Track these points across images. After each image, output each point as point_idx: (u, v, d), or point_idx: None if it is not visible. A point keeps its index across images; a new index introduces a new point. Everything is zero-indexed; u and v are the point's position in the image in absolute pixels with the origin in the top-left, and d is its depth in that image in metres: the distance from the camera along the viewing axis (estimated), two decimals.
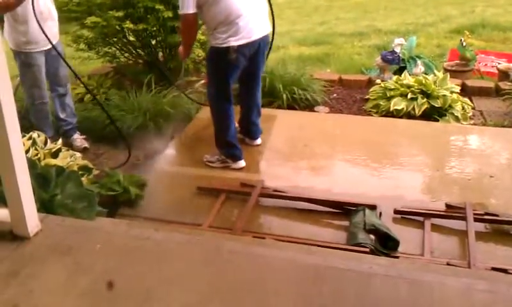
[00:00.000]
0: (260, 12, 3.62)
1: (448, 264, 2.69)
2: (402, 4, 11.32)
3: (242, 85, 3.98)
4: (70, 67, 3.95)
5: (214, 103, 3.79)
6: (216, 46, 3.52)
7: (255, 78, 3.94)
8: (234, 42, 3.45)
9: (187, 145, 4.29)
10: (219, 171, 3.82)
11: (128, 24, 4.67)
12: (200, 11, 3.48)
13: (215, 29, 3.48)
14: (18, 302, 1.86)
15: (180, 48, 3.90)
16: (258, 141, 4.18)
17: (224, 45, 3.46)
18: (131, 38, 5.28)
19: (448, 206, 3.22)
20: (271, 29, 3.79)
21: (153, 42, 5.27)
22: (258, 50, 3.65)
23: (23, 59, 3.88)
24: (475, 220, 3.03)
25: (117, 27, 4.82)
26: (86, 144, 4.33)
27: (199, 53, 5.11)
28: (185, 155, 4.15)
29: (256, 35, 3.55)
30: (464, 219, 3.05)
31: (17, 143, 2.07)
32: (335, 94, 5.48)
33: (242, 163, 3.85)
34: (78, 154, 3.61)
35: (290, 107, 5.02)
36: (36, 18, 3.62)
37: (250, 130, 4.17)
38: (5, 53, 1.98)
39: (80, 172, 3.21)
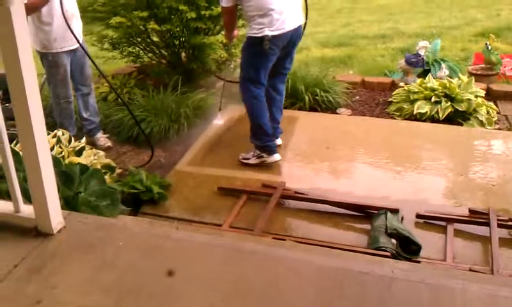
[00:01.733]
0: (294, 4, 3.70)
1: (470, 270, 2.67)
2: (427, 7, 11.19)
3: (270, 72, 3.98)
4: (96, 66, 4.00)
5: (246, 91, 3.83)
6: (251, 35, 3.64)
7: (284, 66, 3.98)
8: (269, 32, 3.55)
9: (209, 146, 4.30)
10: (240, 171, 3.83)
11: (152, 25, 4.70)
12: (239, 3, 3.67)
13: (251, 20, 3.63)
14: (41, 298, 1.88)
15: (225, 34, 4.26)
16: (279, 141, 4.18)
17: (260, 35, 3.57)
18: (155, 39, 5.32)
19: (471, 211, 3.18)
20: (304, 21, 3.86)
21: (177, 42, 5.30)
22: (290, 41, 3.72)
23: (50, 59, 3.94)
24: (499, 226, 2.99)
25: (141, 27, 4.86)
26: (109, 143, 4.38)
27: (221, 54, 5.12)
28: (207, 155, 4.16)
29: (289, 26, 3.63)
30: (487, 224, 3.01)
31: (43, 141, 2.10)
32: (357, 97, 5.46)
33: (277, 156, 3.87)
34: (101, 153, 3.65)
35: (312, 109, 5.01)
36: (64, 17, 3.67)
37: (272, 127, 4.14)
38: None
39: (103, 170, 3.25)
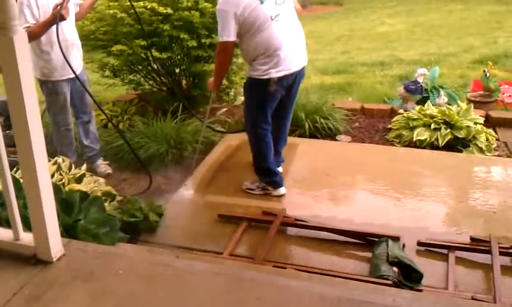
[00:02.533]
0: (300, 43, 3.61)
1: (473, 298, 2.64)
2: (424, 35, 11.32)
3: (273, 115, 3.94)
4: (92, 97, 4.04)
5: (252, 131, 3.78)
6: (256, 77, 3.51)
7: (287, 109, 3.91)
8: (275, 74, 3.44)
9: (209, 173, 4.30)
10: (240, 198, 3.83)
11: (153, 53, 4.75)
12: (239, 41, 3.47)
13: (254, 59, 3.48)
14: None
15: (211, 79, 3.89)
16: (280, 169, 4.14)
17: (265, 77, 3.45)
18: (155, 66, 5.37)
19: (472, 239, 3.16)
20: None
21: (177, 70, 5.35)
22: (294, 81, 3.64)
23: (50, 87, 3.96)
24: (501, 254, 2.96)
25: (142, 55, 4.91)
26: (109, 170, 4.39)
27: (223, 81, 5.15)
28: (207, 182, 4.15)
29: (295, 67, 3.54)
30: (489, 252, 2.99)
31: (43, 168, 2.10)
32: (357, 124, 5.48)
33: (282, 190, 3.82)
34: (102, 180, 3.65)
35: (312, 136, 5.02)
36: (60, 47, 3.70)
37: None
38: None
39: (103, 197, 3.24)
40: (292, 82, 3.61)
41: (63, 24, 3.74)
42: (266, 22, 3.35)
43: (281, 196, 3.83)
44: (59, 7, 3.59)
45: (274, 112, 3.77)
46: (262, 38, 3.38)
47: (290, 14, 3.52)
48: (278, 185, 3.82)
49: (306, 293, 2.05)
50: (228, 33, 3.34)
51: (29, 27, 3.62)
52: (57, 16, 3.60)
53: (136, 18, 4.64)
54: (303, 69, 3.66)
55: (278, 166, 4.12)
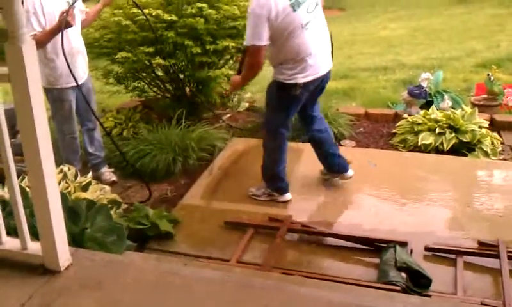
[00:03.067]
0: (326, 48, 3.61)
1: (482, 303, 2.63)
2: (427, 39, 11.32)
3: (304, 119, 3.94)
4: (91, 108, 4.05)
5: (270, 135, 3.75)
6: (281, 81, 3.49)
7: (315, 114, 3.90)
8: (301, 79, 3.43)
9: (214, 179, 4.30)
10: (246, 205, 3.82)
11: (158, 60, 4.75)
12: (269, 45, 3.40)
13: (281, 63, 3.46)
14: None
15: (235, 78, 3.84)
16: (350, 172, 3.99)
17: (291, 81, 3.44)
18: (159, 73, 5.38)
19: (480, 243, 3.14)
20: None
21: (182, 77, 5.35)
22: (319, 85, 3.63)
23: (55, 95, 3.96)
24: (509, 258, 2.95)
25: (146, 62, 4.91)
26: (114, 178, 4.38)
27: (227, 87, 5.16)
28: (212, 189, 4.15)
29: (322, 72, 3.52)
30: (497, 256, 2.98)
31: (51, 177, 2.10)
32: (361, 128, 5.47)
33: (288, 196, 3.81)
34: (107, 187, 3.64)
35: None
36: (65, 55, 3.70)
37: (336, 163, 3.99)
38: None
39: (109, 205, 3.24)
40: (316, 86, 3.61)
41: (68, 32, 3.75)
42: (297, 29, 3.33)
43: (287, 201, 3.82)
44: (65, 14, 3.60)
45: (303, 117, 3.80)
46: (292, 45, 3.36)
47: (320, 20, 3.50)
48: (284, 191, 3.81)
49: (316, 300, 2.04)
50: (259, 37, 3.29)
51: (35, 35, 3.63)
52: (63, 23, 3.61)
53: (143, 24, 4.67)
54: (328, 72, 3.63)
55: (347, 170, 4.00)
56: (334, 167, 4.00)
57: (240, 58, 3.85)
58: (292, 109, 3.65)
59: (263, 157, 3.84)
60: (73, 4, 3.71)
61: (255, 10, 3.26)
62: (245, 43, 3.42)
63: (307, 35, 3.38)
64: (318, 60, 3.47)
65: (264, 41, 3.30)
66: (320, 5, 3.52)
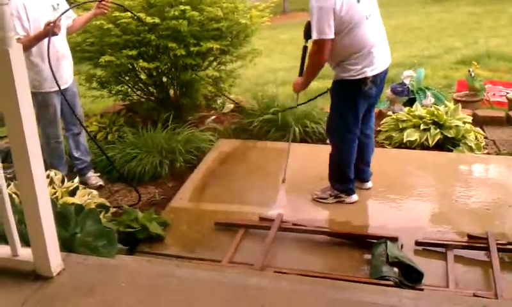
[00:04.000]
0: (386, 41, 3.52)
1: (474, 295, 2.65)
2: (405, 37, 11.43)
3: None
4: (75, 114, 4.00)
5: (339, 136, 3.62)
6: (348, 78, 3.37)
7: (373, 108, 3.81)
8: (370, 72, 3.32)
9: (202, 181, 4.27)
10: (236, 205, 3.81)
11: (141, 63, 4.71)
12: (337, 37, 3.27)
13: (344, 60, 3.35)
14: None
15: (298, 79, 3.72)
16: (369, 184, 3.94)
17: (360, 76, 3.33)
18: (143, 76, 5.33)
19: (470, 236, 3.18)
20: None
21: (165, 80, 5.32)
22: (383, 78, 3.54)
23: (40, 99, 3.90)
24: (498, 250, 2.99)
25: (129, 65, 4.87)
26: (101, 182, 4.34)
27: (211, 89, 5.15)
28: (201, 190, 4.13)
29: (386, 63, 3.46)
30: (487, 249, 3.01)
31: (42, 182, 2.07)
32: None
33: (355, 197, 3.72)
34: (95, 192, 3.61)
35: (303, 141, 5.01)
36: (49, 62, 3.66)
37: (362, 170, 3.88)
38: None
39: (98, 210, 3.20)
40: (382, 79, 3.50)
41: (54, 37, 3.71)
42: (361, 22, 3.24)
43: (273, 197, 3.83)
44: (51, 24, 3.56)
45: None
46: (357, 37, 3.26)
47: (378, 13, 3.44)
48: (352, 192, 3.71)
49: (313, 297, 2.04)
50: (326, 31, 3.17)
51: (19, 38, 3.58)
52: (50, 33, 3.59)
53: (125, 28, 4.63)
54: (388, 66, 3.55)
55: (368, 181, 3.95)
56: (360, 173, 3.88)
57: (301, 58, 3.70)
58: (362, 107, 3.50)
59: (331, 159, 3.73)
60: (61, 15, 3.68)
61: (319, 4, 3.17)
62: (312, 38, 3.27)
63: (370, 26, 3.30)
64: (381, 51, 3.40)
65: (331, 34, 3.19)
66: None
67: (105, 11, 4.06)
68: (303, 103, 4.30)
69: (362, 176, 3.90)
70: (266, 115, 5.20)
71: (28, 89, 1.99)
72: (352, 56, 3.31)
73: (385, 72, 3.50)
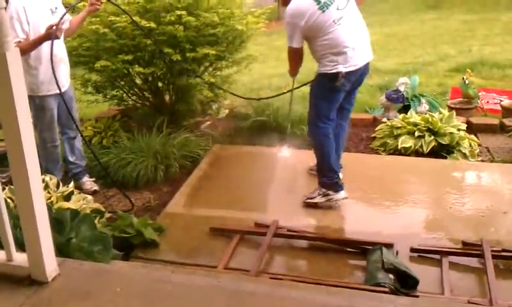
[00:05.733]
0: (364, 39, 3.78)
1: (469, 302, 2.66)
2: (400, 45, 11.47)
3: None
4: (72, 118, 4.00)
5: (314, 127, 3.84)
6: (324, 72, 3.66)
7: (348, 107, 4.05)
8: (343, 69, 3.59)
9: (198, 186, 4.27)
10: (231, 211, 3.80)
11: (136, 68, 4.71)
12: (308, 42, 3.71)
13: (322, 57, 3.66)
14: None
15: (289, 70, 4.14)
16: (340, 176, 4.05)
17: (334, 71, 3.60)
18: (138, 81, 5.33)
19: (464, 243, 3.20)
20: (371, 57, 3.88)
21: (160, 85, 5.32)
22: (359, 76, 3.78)
23: (37, 103, 3.89)
24: (493, 257, 3.00)
25: (125, 70, 4.87)
26: (95, 187, 4.32)
27: (207, 94, 5.14)
28: (196, 196, 4.12)
29: (361, 62, 3.68)
30: (481, 256, 3.03)
31: (37, 187, 2.06)
32: None
33: (343, 193, 3.81)
34: (90, 197, 3.60)
35: (298, 146, 5.01)
36: (52, 64, 3.66)
37: None
38: None
39: (93, 215, 3.19)
40: (358, 77, 3.75)
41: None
42: (330, 26, 3.56)
43: (269, 203, 3.84)
44: (54, 27, 3.56)
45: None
46: (328, 40, 3.58)
47: (353, 15, 3.70)
48: (339, 187, 3.80)
49: (309, 303, 2.04)
50: (295, 41, 3.66)
51: (19, 42, 3.57)
52: (53, 37, 3.60)
53: (121, 32, 4.63)
54: (367, 64, 3.79)
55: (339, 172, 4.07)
56: None
57: None
58: (335, 99, 3.77)
59: (315, 154, 3.90)
60: (62, 18, 3.67)
61: (288, 20, 3.65)
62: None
63: (341, 29, 3.58)
64: (357, 52, 3.63)
65: (299, 44, 3.68)
66: (354, 1, 3.72)
67: (98, 7, 4.05)
68: (294, 89, 4.69)
69: None
70: (261, 117, 5.22)
71: (25, 93, 1.99)
72: (328, 54, 3.62)
73: (362, 70, 3.73)
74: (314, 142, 3.91)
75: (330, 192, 3.79)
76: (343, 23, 3.57)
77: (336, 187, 3.79)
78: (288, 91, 4.74)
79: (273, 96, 4.97)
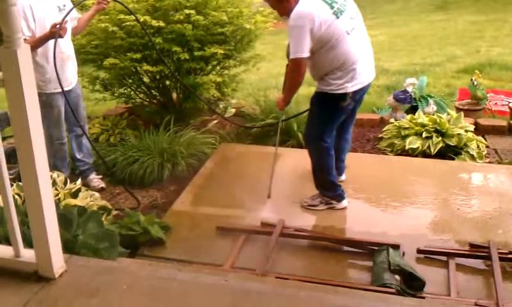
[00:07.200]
0: (370, 55, 3.56)
1: (476, 304, 2.66)
2: (407, 45, 11.43)
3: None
4: (75, 117, 4.00)
5: (316, 145, 3.65)
6: (329, 92, 3.40)
7: (352, 118, 3.92)
8: (350, 88, 3.35)
9: (204, 185, 4.27)
10: (237, 210, 3.81)
11: (145, 66, 4.72)
12: (312, 56, 3.31)
13: (327, 74, 3.37)
14: None
15: (280, 97, 3.77)
16: (343, 177, 4.08)
17: (340, 91, 3.35)
18: (146, 80, 5.34)
19: (471, 245, 3.18)
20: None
21: (168, 83, 5.33)
22: (364, 93, 3.60)
23: (45, 100, 3.89)
24: (500, 259, 2.99)
25: (133, 68, 4.88)
26: (102, 184, 4.34)
27: (214, 93, 5.14)
28: (203, 194, 4.13)
29: (368, 79, 3.49)
30: (488, 258, 3.01)
31: (46, 183, 2.07)
32: None
33: (345, 202, 3.74)
34: (97, 194, 3.61)
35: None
36: (55, 64, 3.67)
37: (338, 167, 3.93)
38: None
39: (100, 212, 3.20)
40: (362, 94, 3.56)
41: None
42: (342, 36, 3.26)
43: (276, 202, 3.81)
44: (58, 26, 3.57)
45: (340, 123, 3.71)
46: (339, 53, 3.28)
47: (362, 27, 3.46)
48: (341, 197, 3.73)
49: (315, 303, 2.04)
50: (302, 49, 3.22)
51: (25, 39, 3.59)
52: (56, 36, 3.60)
53: (130, 30, 4.65)
54: (370, 82, 3.59)
55: (342, 174, 4.07)
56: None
57: (284, 77, 3.77)
58: (338, 119, 3.57)
59: (313, 168, 3.75)
60: (66, 16, 3.69)
61: (296, 23, 3.22)
62: (290, 56, 3.32)
63: (352, 41, 3.31)
64: (364, 67, 3.41)
65: (307, 53, 3.24)
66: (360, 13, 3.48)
67: (105, 6, 4.06)
68: (288, 119, 4.63)
69: (337, 171, 3.93)
70: (268, 119, 5.21)
71: (35, 90, 1.99)
72: (335, 71, 3.33)
73: (366, 87, 3.54)
74: (314, 160, 3.72)
75: (333, 202, 3.74)
76: (354, 35, 3.32)
77: (340, 197, 3.74)
78: (289, 118, 4.70)
79: (289, 118, 4.75)
